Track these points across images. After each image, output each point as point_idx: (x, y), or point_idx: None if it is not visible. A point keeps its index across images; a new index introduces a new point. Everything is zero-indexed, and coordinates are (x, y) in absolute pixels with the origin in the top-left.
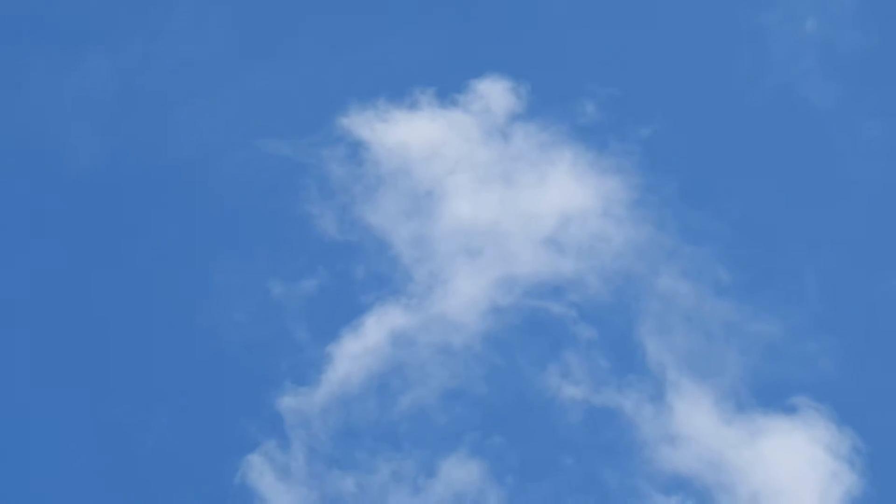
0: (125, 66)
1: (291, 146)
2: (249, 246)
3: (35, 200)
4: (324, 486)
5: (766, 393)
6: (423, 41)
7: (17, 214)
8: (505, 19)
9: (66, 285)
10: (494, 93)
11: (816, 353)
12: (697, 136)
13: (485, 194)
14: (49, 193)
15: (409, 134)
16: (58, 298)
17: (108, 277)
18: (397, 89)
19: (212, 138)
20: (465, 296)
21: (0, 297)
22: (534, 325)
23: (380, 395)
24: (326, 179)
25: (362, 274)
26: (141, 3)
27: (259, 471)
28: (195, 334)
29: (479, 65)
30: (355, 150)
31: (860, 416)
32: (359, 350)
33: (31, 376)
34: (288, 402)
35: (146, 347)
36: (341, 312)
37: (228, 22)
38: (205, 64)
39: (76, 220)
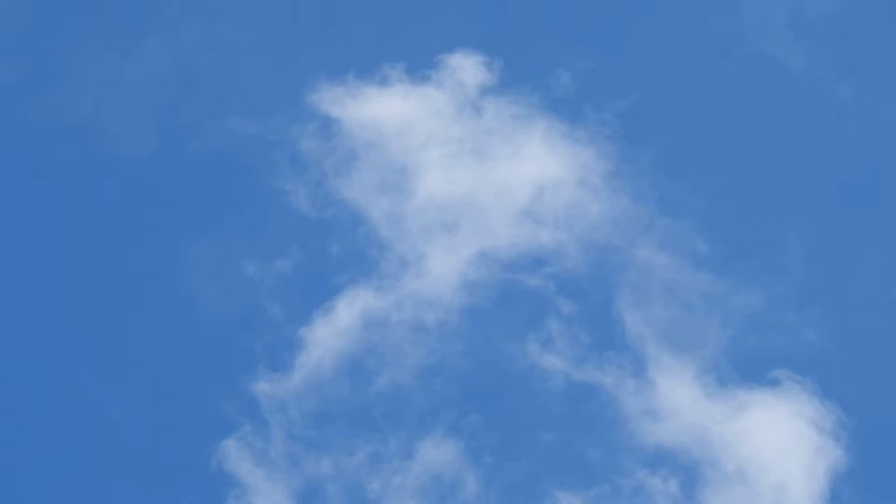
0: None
1: (262, 124)
2: (223, 224)
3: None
4: (302, 469)
5: (747, 366)
6: (392, 16)
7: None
8: None
9: (59, 266)
10: (466, 67)
11: (798, 325)
12: (672, 107)
13: (459, 169)
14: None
15: (381, 110)
16: (50, 278)
17: (88, 256)
18: (367, 65)
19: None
20: (442, 271)
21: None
22: (512, 300)
23: (355, 376)
24: (298, 156)
25: (337, 251)
26: None
27: (236, 456)
28: (169, 314)
29: (449, 39)
30: (327, 126)
31: (844, 389)
32: (333, 331)
33: (12, 350)
34: (263, 387)
35: (121, 327)
36: (316, 292)
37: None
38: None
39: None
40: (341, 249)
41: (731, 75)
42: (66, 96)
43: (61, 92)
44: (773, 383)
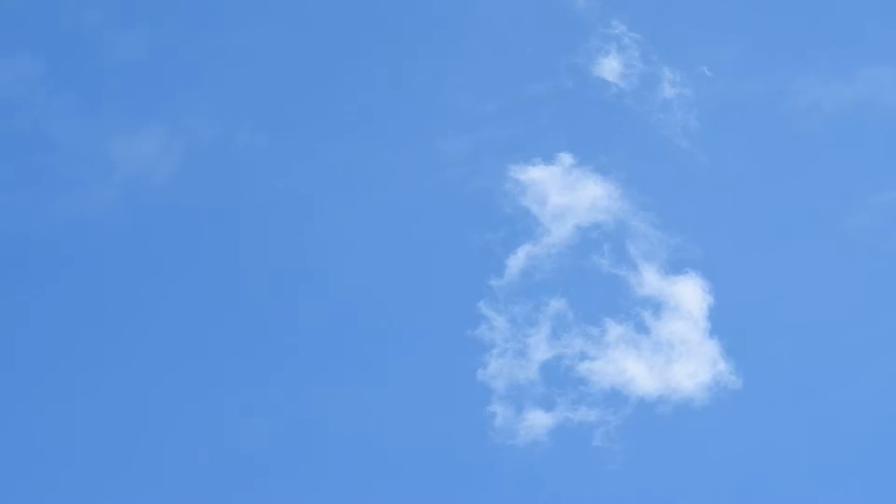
0: None
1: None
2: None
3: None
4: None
5: (673, 267)
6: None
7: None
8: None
9: None
10: (567, 161)
11: (701, 257)
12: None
13: (567, 194)
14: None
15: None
16: None
17: None
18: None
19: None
20: (561, 232)
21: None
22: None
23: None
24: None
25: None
26: None
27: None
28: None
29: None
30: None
31: (724, 276)
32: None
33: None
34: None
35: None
36: (510, 245)
37: None
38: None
39: None
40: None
41: None
42: None
43: None
44: (686, 274)
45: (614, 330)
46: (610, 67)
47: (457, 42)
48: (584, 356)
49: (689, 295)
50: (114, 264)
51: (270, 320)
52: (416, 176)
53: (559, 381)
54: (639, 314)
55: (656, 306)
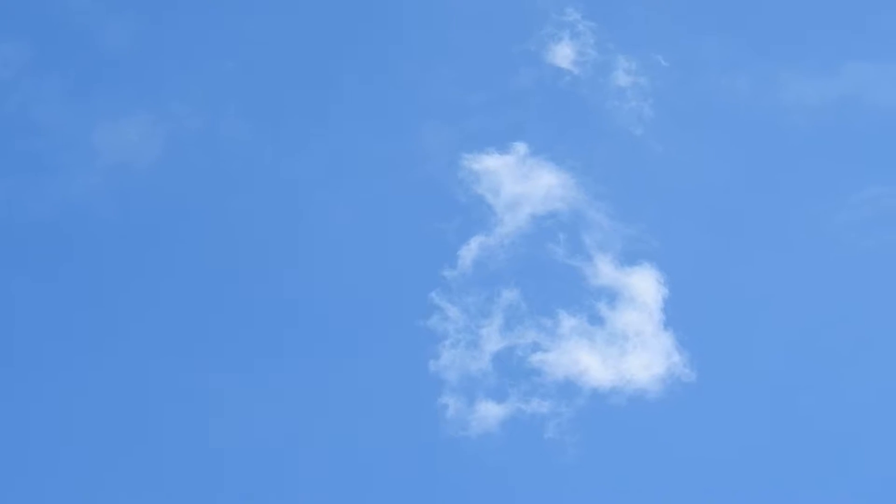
0: None
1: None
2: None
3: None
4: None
5: (629, 258)
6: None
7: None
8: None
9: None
10: (521, 150)
11: (658, 249)
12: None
13: (520, 185)
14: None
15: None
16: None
17: None
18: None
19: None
20: (515, 222)
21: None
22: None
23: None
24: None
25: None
26: None
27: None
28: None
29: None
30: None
31: (677, 270)
32: (475, 248)
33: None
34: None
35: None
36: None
37: None
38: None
39: None
40: (476, 215)
41: None
42: None
43: None
44: (641, 265)
45: (568, 321)
46: (563, 55)
47: (414, 32)
48: (537, 347)
49: (644, 286)
50: (96, 250)
51: (230, 307)
52: (381, 167)
53: (512, 372)
54: (593, 305)
55: (611, 297)
